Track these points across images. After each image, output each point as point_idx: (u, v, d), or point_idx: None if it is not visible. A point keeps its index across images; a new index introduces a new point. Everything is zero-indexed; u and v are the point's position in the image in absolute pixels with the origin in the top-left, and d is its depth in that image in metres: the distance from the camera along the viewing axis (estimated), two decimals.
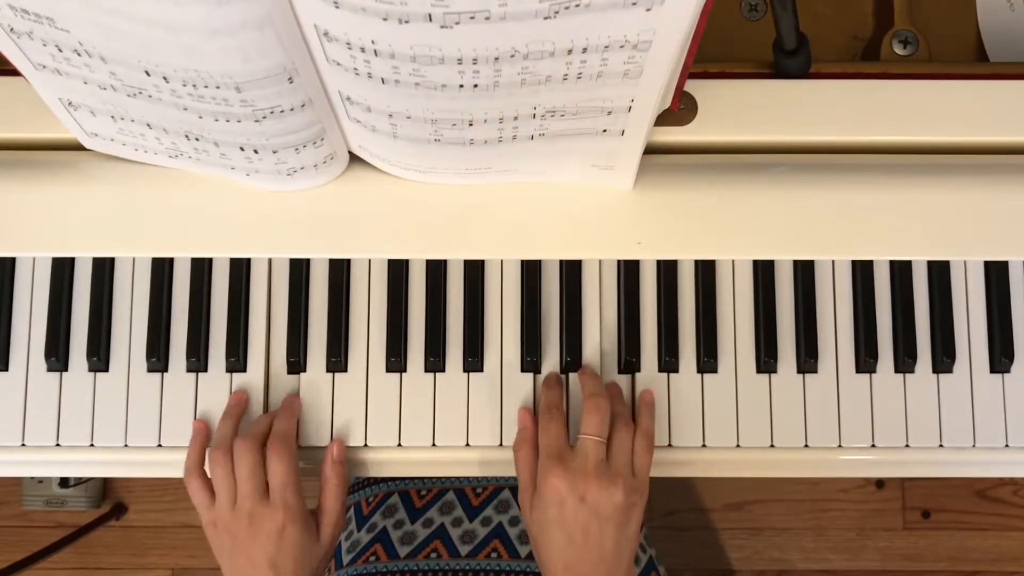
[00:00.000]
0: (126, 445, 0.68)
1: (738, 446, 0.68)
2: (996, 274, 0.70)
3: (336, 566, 0.84)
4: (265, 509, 0.63)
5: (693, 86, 0.65)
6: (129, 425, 0.68)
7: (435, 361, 0.68)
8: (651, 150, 0.64)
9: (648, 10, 0.43)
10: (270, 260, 0.70)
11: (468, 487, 0.86)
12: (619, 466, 0.62)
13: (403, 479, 0.87)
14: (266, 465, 0.64)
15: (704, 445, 0.68)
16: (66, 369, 0.69)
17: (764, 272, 0.70)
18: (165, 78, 0.50)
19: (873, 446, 0.69)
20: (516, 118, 0.53)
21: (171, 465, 0.68)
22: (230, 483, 0.64)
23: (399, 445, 0.68)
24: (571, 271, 0.69)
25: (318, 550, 0.65)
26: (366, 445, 0.68)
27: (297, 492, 0.64)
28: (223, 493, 0.64)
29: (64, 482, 1.51)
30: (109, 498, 1.55)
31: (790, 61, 0.64)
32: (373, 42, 0.44)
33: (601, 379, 0.67)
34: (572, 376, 0.69)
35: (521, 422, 0.67)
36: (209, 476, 0.65)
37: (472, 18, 0.42)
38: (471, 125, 0.53)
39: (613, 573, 0.61)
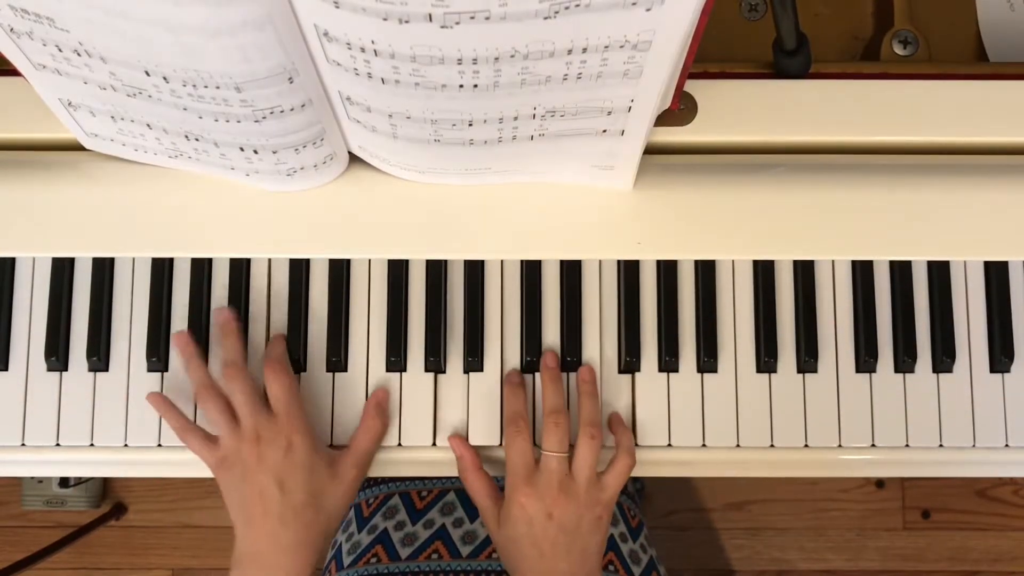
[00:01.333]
0: (126, 445, 0.68)
1: (738, 446, 0.68)
2: (996, 274, 0.70)
3: (337, 567, 0.84)
4: (270, 423, 0.62)
5: (693, 86, 0.65)
6: (129, 425, 0.68)
7: (435, 361, 0.68)
8: (651, 150, 0.64)
9: (648, 10, 0.43)
10: (270, 260, 0.70)
11: (414, 491, 0.86)
12: (586, 479, 0.63)
13: (404, 480, 0.87)
14: (266, 386, 0.64)
15: (704, 445, 0.68)
16: (66, 369, 0.69)
17: (764, 272, 0.70)
18: (165, 78, 0.50)
19: (873, 446, 0.69)
20: (516, 118, 0.53)
21: (171, 465, 0.68)
22: (228, 413, 0.63)
23: (399, 445, 0.68)
24: (571, 271, 0.69)
25: (335, 486, 0.63)
26: None
27: (300, 407, 0.63)
28: (224, 425, 0.63)
29: (64, 482, 1.51)
30: (109, 498, 1.55)
31: (790, 61, 0.64)
32: (373, 42, 0.44)
33: (562, 387, 0.66)
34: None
35: (457, 451, 0.67)
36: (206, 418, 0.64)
37: (472, 18, 0.42)
38: (471, 125, 0.53)
39: (580, 572, 0.62)
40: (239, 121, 0.53)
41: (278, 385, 0.64)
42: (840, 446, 0.69)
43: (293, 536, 0.61)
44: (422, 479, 0.86)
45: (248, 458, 0.62)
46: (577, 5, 0.42)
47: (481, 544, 0.82)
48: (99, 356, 0.68)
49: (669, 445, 0.68)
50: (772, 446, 0.68)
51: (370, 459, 0.66)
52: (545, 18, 0.43)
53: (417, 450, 0.68)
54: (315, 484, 0.62)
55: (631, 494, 0.98)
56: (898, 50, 0.71)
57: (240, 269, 0.69)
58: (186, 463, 0.68)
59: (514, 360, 0.69)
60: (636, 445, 0.68)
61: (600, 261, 0.70)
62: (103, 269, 0.69)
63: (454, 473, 0.69)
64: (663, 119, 0.63)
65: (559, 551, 0.62)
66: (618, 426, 0.67)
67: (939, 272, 0.70)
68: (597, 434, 0.64)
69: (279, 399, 0.63)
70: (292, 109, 0.52)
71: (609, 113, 0.54)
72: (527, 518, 0.62)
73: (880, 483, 1.56)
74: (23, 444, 0.68)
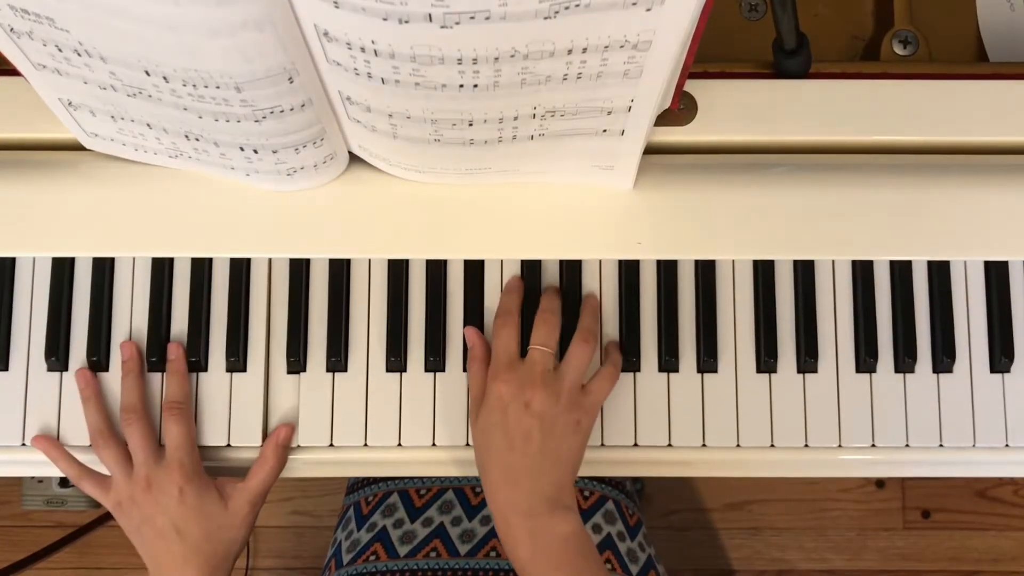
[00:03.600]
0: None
1: (738, 446, 0.68)
2: (996, 274, 0.70)
3: (336, 565, 0.84)
4: (160, 471, 0.64)
5: (693, 86, 0.65)
6: None
7: (435, 361, 0.68)
8: (651, 150, 0.64)
9: (648, 10, 0.43)
10: (270, 260, 0.70)
11: (467, 486, 0.86)
12: (570, 380, 0.63)
13: (402, 478, 0.87)
14: (163, 430, 0.65)
15: (704, 445, 0.68)
16: (66, 369, 0.68)
17: (764, 272, 0.70)
18: (165, 78, 0.50)
19: (873, 446, 0.69)
20: (516, 118, 0.53)
21: None
22: (122, 457, 0.65)
23: (399, 445, 0.68)
24: (571, 271, 0.69)
25: (227, 519, 0.65)
26: (366, 445, 0.68)
27: (192, 454, 0.65)
28: (117, 471, 0.65)
29: (64, 482, 1.50)
30: None
31: (790, 61, 0.64)
32: (373, 42, 0.44)
33: (559, 298, 0.67)
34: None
35: (470, 340, 0.67)
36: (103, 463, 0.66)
37: (472, 18, 0.42)
38: (471, 125, 0.53)
39: (551, 483, 0.61)
40: (239, 121, 0.53)
41: (176, 429, 0.65)
42: (840, 446, 0.69)
43: (196, 571, 0.64)
44: (420, 477, 0.86)
45: (143, 504, 0.64)
46: (577, 5, 0.42)
47: (480, 542, 0.82)
48: (99, 356, 0.68)
49: (669, 445, 0.68)
50: (772, 446, 0.68)
51: (264, 495, 0.67)
52: (545, 18, 0.43)
53: (417, 450, 0.68)
54: (209, 523, 0.65)
55: (629, 493, 0.98)
56: (898, 50, 0.71)
57: (240, 269, 0.69)
58: None
59: None
60: (635, 445, 0.68)
61: (600, 261, 0.70)
62: (103, 269, 0.69)
63: (454, 473, 0.69)
64: (663, 119, 0.63)
65: (530, 447, 0.61)
66: (610, 345, 0.68)
67: (939, 272, 0.70)
68: (591, 340, 0.65)
69: (173, 447, 0.65)
70: (292, 109, 0.52)
71: (609, 113, 0.54)
72: (503, 405, 0.62)
73: (880, 483, 1.56)
74: (23, 444, 0.68)
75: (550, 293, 0.67)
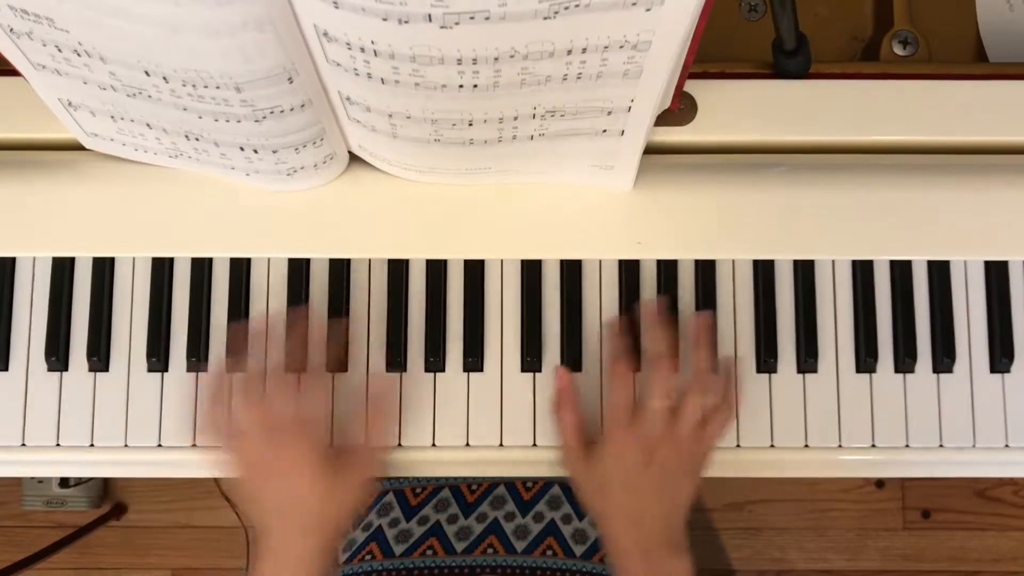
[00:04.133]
0: (126, 445, 0.68)
1: (738, 446, 0.68)
2: (996, 274, 0.70)
3: None
4: (294, 429, 0.62)
5: (693, 86, 0.65)
6: (129, 425, 0.68)
7: (435, 361, 0.68)
8: (651, 150, 0.64)
9: (648, 10, 0.43)
10: (270, 260, 0.70)
11: (463, 484, 0.87)
12: (688, 428, 0.62)
13: (398, 477, 0.87)
14: (301, 389, 0.64)
15: None
16: (66, 369, 0.69)
17: (764, 272, 0.70)
18: (165, 78, 0.50)
19: (873, 446, 0.69)
20: (516, 118, 0.53)
21: (171, 465, 0.68)
22: (261, 415, 0.63)
23: (399, 445, 0.68)
24: (571, 271, 0.69)
25: (349, 487, 0.63)
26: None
27: (322, 420, 0.64)
28: (253, 426, 0.63)
29: (64, 482, 1.51)
30: (109, 498, 1.55)
31: (790, 61, 0.64)
32: (373, 42, 0.44)
33: (672, 331, 0.64)
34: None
35: (559, 382, 0.66)
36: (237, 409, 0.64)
37: (472, 18, 0.42)
38: (471, 125, 0.53)
39: (670, 526, 0.62)
40: (239, 121, 0.53)
41: (312, 392, 0.64)
42: (840, 446, 0.69)
43: (313, 539, 0.62)
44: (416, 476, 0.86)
45: (269, 463, 0.62)
46: (577, 5, 0.42)
47: (476, 540, 0.82)
48: (99, 356, 0.68)
49: None
50: (772, 446, 0.68)
51: (381, 458, 0.67)
52: (545, 18, 0.43)
53: (417, 450, 0.68)
54: (331, 488, 0.63)
55: None
56: (898, 50, 0.71)
57: (240, 269, 0.69)
58: (186, 463, 0.68)
59: (514, 360, 0.69)
60: None
61: (600, 261, 0.70)
62: (103, 269, 0.69)
63: (453, 474, 0.69)
64: (663, 119, 0.63)
65: (652, 499, 0.61)
66: (729, 378, 0.66)
67: (939, 272, 0.70)
68: (708, 385, 0.63)
69: (308, 405, 0.64)
70: (292, 109, 0.52)
71: (609, 113, 0.54)
72: (624, 460, 0.61)
73: (880, 483, 1.56)
74: (23, 444, 0.68)
75: (662, 328, 0.64)
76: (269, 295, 0.69)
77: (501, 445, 0.68)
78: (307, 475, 0.62)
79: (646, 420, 0.62)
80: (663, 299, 0.66)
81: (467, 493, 0.86)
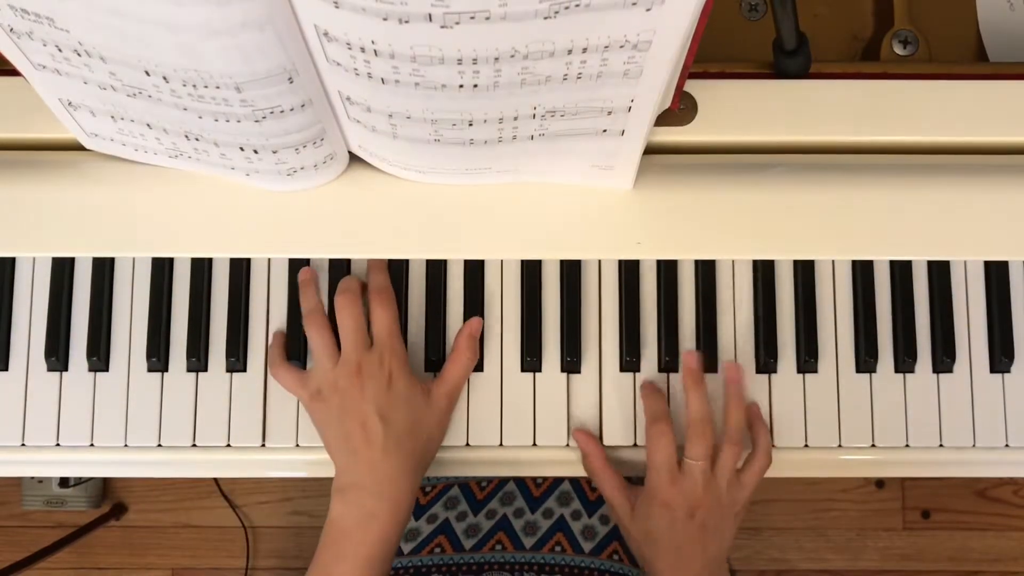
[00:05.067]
0: (126, 445, 0.68)
1: None
2: (996, 274, 0.70)
3: None
4: (371, 356, 0.63)
5: (693, 86, 0.64)
6: (129, 425, 0.68)
7: (436, 361, 0.68)
8: (651, 150, 0.64)
9: (648, 10, 0.43)
10: (270, 260, 0.70)
11: (473, 481, 0.87)
12: (727, 480, 0.65)
13: None
14: (371, 317, 0.64)
15: None
16: (66, 369, 0.69)
17: (764, 272, 0.70)
18: (165, 78, 0.50)
19: (873, 446, 0.69)
20: (516, 118, 0.53)
21: (171, 465, 0.68)
22: (330, 341, 0.64)
23: None
24: (571, 271, 0.69)
25: (429, 413, 0.64)
26: None
27: (400, 340, 0.64)
28: (325, 354, 0.64)
29: (64, 482, 1.51)
30: (109, 498, 1.56)
31: (790, 61, 0.64)
32: (373, 42, 0.44)
33: (706, 391, 0.66)
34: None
35: (584, 446, 0.67)
36: (311, 339, 0.65)
37: (472, 18, 0.42)
38: (471, 125, 0.53)
39: (716, 568, 0.65)
40: (239, 121, 0.53)
41: (384, 314, 0.64)
42: (840, 446, 0.69)
43: (395, 465, 0.62)
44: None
45: (349, 390, 0.62)
46: (577, 5, 0.42)
47: (484, 537, 0.82)
48: (99, 356, 0.68)
49: None
50: (772, 446, 0.68)
51: (460, 389, 0.67)
52: (545, 18, 0.43)
53: None
54: (414, 415, 0.63)
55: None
56: (898, 50, 0.71)
57: (240, 269, 0.69)
58: (186, 463, 0.68)
59: (514, 360, 0.69)
60: (635, 445, 0.68)
61: (600, 261, 0.70)
62: (103, 269, 0.69)
63: (455, 473, 0.69)
64: (663, 119, 0.63)
65: (696, 549, 0.64)
66: (757, 423, 0.67)
67: (939, 272, 0.70)
68: (741, 440, 0.65)
69: (382, 330, 0.64)
70: (292, 109, 0.52)
71: (609, 113, 0.54)
72: (669, 518, 0.64)
73: (880, 483, 1.56)
74: (23, 444, 0.68)
75: (699, 391, 0.66)
76: (269, 295, 0.70)
77: (501, 445, 0.68)
78: (402, 382, 0.62)
79: (688, 478, 0.64)
80: (695, 355, 0.67)
81: (476, 491, 0.86)
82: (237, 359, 0.68)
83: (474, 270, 0.69)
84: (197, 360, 0.68)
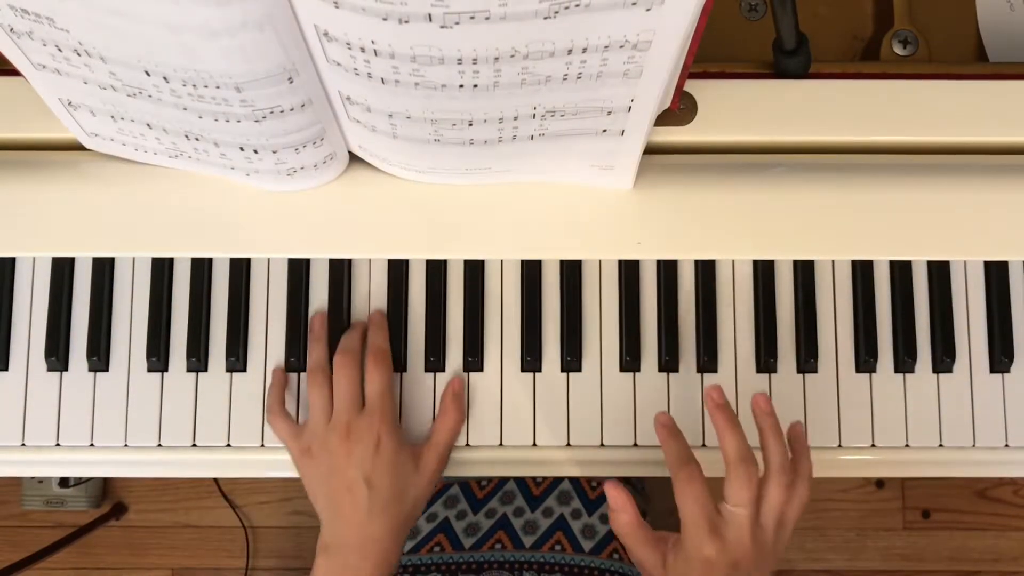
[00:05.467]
0: (126, 445, 0.68)
1: None
2: (996, 274, 0.70)
3: None
4: (361, 419, 0.63)
5: (693, 86, 0.64)
6: (129, 425, 0.68)
7: (435, 361, 0.68)
8: (651, 150, 0.64)
9: (648, 10, 0.43)
10: (270, 260, 0.70)
11: (473, 480, 0.87)
12: (772, 527, 0.58)
13: None
14: (365, 379, 0.64)
15: (704, 445, 0.68)
16: (66, 369, 0.69)
17: (764, 272, 0.70)
18: (165, 78, 0.50)
19: (873, 446, 0.69)
20: (516, 118, 0.53)
21: (171, 465, 0.68)
22: (327, 400, 0.64)
23: None
24: (571, 271, 0.69)
25: (417, 479, 0.64)
26: None
27: (393, 404, 0.64)
28: (319, 411, 0.64)
29: (64, 482, 1.51)
30: (109, 498, 1.55)
31: (790, 61, 0.64)
32: (373, 42, 0.44)
33: (740, 427, 0.59)
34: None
35: (615, 502, 0.60)
36: (311, 394, 0.65)
37: (472, 18, 0.42)
38: (471, 125, 0.53)
39: None
40: (239, 121, 0.53)
41: (378, 376, 0.64)
42: (840, 446, 0.69)
43: (379, 528, 0.62)
44: None
45: (337, 452, 0.63)
46: (577, 5, 0.42)
47: (484, 535, 0.82)
48: (99, 356, 0.68)
49: None
50: None
51: (450, 448, 0.67)
52: (545, 18, 0.43)
53: None
54: (400, 480, 0.63)
55: (638, 488, 0.99)
56: (898, 50, 0.71)
57: (240, 269, 0.69)
58: (186, 463, 0.68)
59: (514, 360, 0.69)
60: (635, 445, 0.68)
61: (600, 261, 0.70)
62: (103, 269, 0.69)
63: (455, 473, 0.69)
64: (663, 119, 0.63)
65: None
66: (799, 447, 0.61)
67: (939, 272, 0.70)
68: (787, 478, 0.58)
69: (374, 393, 0.64)
70: (292, 109, 0.52)
71: (609, 113, 0.54)
72: (711, 568, 0.56)
73: (880, 483, 1.56)
74: (23, 444, 0.68)
75: (735, 429, 0.59)
76: (269, 295, 0.70)
77: (501, 445, 0.68)
78: (390, 447, 0.62)
79: (733, 528, 0.57)
80: (718, 389, 0.61)
81: (476, 489, 0.86)
82: (237, 359, 0.68)
83: (474, 270, 0.69)
84: (197, 360, 0.68)
